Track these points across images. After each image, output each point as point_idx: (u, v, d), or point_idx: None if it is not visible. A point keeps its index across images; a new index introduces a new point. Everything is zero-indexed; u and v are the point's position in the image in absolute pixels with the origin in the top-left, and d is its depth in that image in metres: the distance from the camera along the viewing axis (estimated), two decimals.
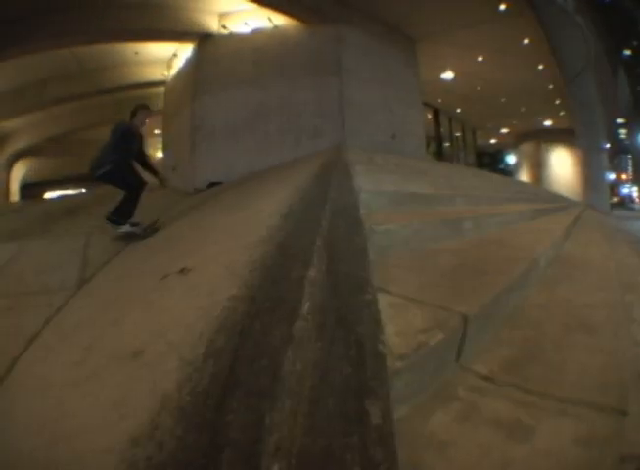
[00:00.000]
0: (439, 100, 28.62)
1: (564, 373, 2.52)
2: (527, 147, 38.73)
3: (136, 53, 17.05)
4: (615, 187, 75.78)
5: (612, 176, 74.92)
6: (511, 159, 43.33)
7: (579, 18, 24.67)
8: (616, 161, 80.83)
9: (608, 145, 42.20)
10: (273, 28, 14.84)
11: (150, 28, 14.27)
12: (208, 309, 2.25)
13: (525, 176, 38.62)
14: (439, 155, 31.01)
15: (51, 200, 19.66)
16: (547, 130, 35.79)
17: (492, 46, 20.52)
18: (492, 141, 43.69)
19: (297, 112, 14.39)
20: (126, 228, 6.54)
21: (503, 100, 29.08)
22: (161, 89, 18.79)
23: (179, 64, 16.87)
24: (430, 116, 29.75)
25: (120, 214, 6.58)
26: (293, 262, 2.66)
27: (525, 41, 20.58)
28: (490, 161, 47.37)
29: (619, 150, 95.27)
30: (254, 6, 13.74)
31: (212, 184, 13.21)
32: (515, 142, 40.57)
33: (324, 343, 1.93)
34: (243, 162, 13.77)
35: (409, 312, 2.68)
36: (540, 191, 22.30)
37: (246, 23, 14.70)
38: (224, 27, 15.08)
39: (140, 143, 7.07)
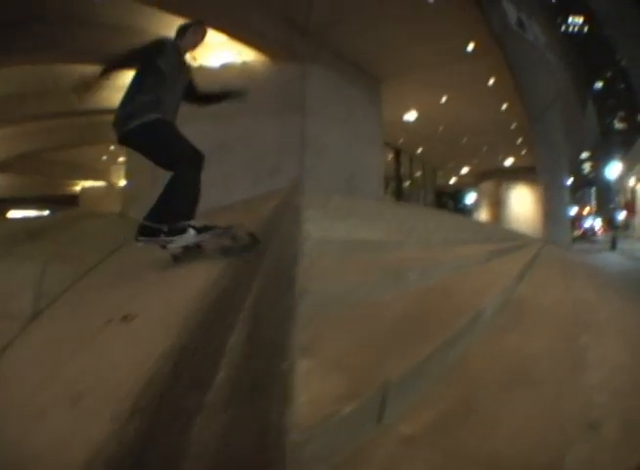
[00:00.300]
0: (401, 140, 28.93)
1: (497, 432, 2.43)
2: (488, 185, 39.43)
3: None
4: (577, 221, 77.26)
5: (574, 210, 76.49)
6: (470, 198, 43.99)
7: (550, 54, 25.23)
8: (579, 194, 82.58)
9: (571, 179, 43.01)
10: (242, 64, 15.13)
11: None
12: (140, 364, 2.24)
13: (484, 215, 39.22)
14: (399, 195, 31.33)
15: (14, 220, 19.27)
16: (508, 169, 36.44)
17: (457, 86, 20.92)
18: (452, 181, 44.32)
19: (260, 148, 14.55)
20: (188, 239, 3.83)
21: (465, 140, 29.55)
22: None
23: None
24: (391, 155, 30.06)
25: (167, 213, 3.81)
26: (217, 326, 2.66)
27: (491, 80, 20.94)
28: (450, 200, 48.12)
29: (583, 183, 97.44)
30: (226, 38, 14.02)
31: None
32: (475, 181, 41.23)
33: (232, 413, 1.94)
34: (206, 196, 13.80)
35: (328, 378, 2.51)
36: (499, 230, 22.54)
37: (216, 57, 14.97)
38: (194, 59, 15.23)
39: (188, 78, 4.86)
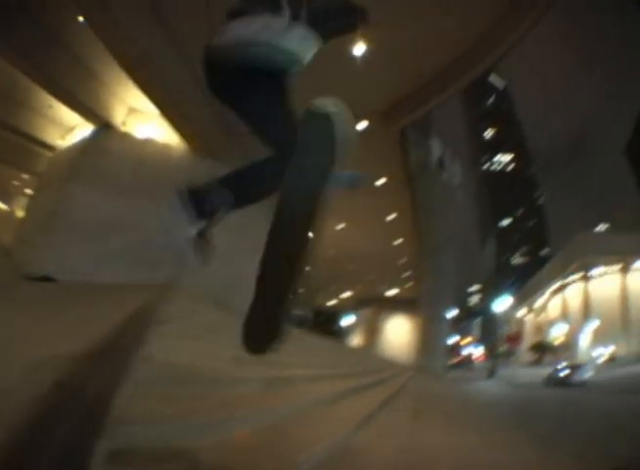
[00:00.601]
0: None
1: None
2: (367, 312, 39.95)
3: (50, 106, 16.88)
4: (456, 348, 79.35)
5: (455, 339, 78.73)
6: (347, 321, 44.29)
7: (460, 193, 26.28)
8: (462, 325, 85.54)
9: (455, 310, 44.37)
10: (164, 144, 15.40)
11: (66, 87, 14.62)
12: None
13: (359, 340, 39.50)
14: None
15: None
16: (390, 298, 37.18)
17: (357, 216, 21.55)
18: (332, 302, 44.70)
19: (150, 233, 14.08)
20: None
21: (352, 267, 30.00)
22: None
23: (74, 139, 16.77)
24: None
25: (238, 182, 2.94)
26: None
27: (391, 216, 21.47)
28: (326, 320, 48.32)
29: (468, 314, 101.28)
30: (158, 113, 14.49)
31: (44, 278, 11.78)
32: (355, 305, 41.73)
33: None
34: (94, 267, 13.31)
35: None
36: (369, 358, 22.39)
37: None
38: (123, 124, 14.93)
39: None
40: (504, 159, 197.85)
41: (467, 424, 9.01)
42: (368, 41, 15.09)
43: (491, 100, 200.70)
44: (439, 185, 23.29)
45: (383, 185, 19.89)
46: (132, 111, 16.11)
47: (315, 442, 4.40)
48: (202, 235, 2.87)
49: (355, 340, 40.37)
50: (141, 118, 16.09)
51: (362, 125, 17.58)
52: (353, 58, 15.53)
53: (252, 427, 4.77)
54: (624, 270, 75.96)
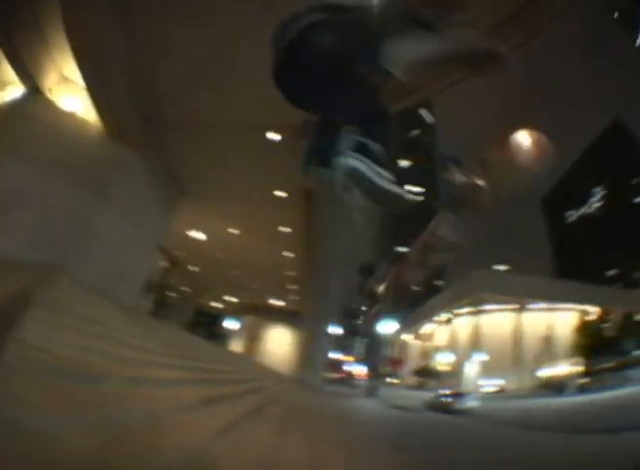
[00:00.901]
0: (181, 253, 28.86)
1: None
2: (250, 319, 40.04)
3: None
4: (339, 364, 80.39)
5: (338, 355, 79.81)
6: (231, 324, 44.20)
7: (361, 216, 26.53)
8: (347, 342, 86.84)
9: (340, 329, 44.91)
10: (84, 119, 15.35)
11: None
12: None
13: (240, 346, 39.49)
14: (160, 306, 31.02)
15: None
16: (274, 308, 37.44)
17: (252, 225, 21.49)
18: (217, 304, 44.58)
19: (54, 211, 14.07)
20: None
21: (240, 273, 30.05)
22: None
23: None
24: (166, 265, 30.01)
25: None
26: None
27: (285, 229, 21.60)
28: (209, 322, 48.10)
29: (353, 332, 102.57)
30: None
31: None
32: (240, 310, 41.75)
33: None
34: None
35: None
36: (247, 364, 22.27)
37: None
38: (50, 91, 14.41)
39: None
40: (414, 189, 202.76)
41: (333, 441, 9.02)
42: None
43: (415, 132, 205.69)
44: (340, 206, 23.58)
45: (282, 198, 20.04)
46: (64, 79, 15.58)
47: (171, 448, 4.42)
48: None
49: (236, 345, 40.23)
50: (69, 89, 15.59)
51: (275, 137, 17.73)
52: None
53: (111, 427, 4.76)
54: (519, 310, 79.48)
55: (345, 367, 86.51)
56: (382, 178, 2.57)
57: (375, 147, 2.56)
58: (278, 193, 19.98)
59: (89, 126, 15.48)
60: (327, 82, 2.52)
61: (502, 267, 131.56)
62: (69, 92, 15.50)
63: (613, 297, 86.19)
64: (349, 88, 2.58)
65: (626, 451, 10.01)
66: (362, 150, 2.56)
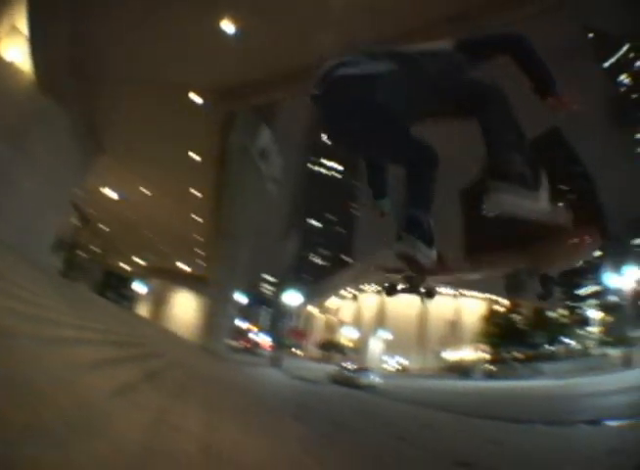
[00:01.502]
0: (94, 212, 28.23)
1: None
2: (157, 283, 39.64)
3: None
4: (243, 333, 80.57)
5: (245, 324, 79.93)
6: (139, 287, 43.58)
7: (275, 186, 26.27)
8: (252, 312, 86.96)
9: (246, 298, 44.86)
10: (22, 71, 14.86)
11: None
12: None
13: (146, 310, 39.13)
14: (70, 266, 30.21)
15: None
16: (179, 272, 37.05)
17: (165, 187, 21.15)
18: (126, 266, 43.96)
19: None
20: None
21: (150, 235, 29.60)
22: None
23: None
24: (77, 222, 29.35)
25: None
26: None
27: (196, 193, 21.29)
28: (118, 284, 47.37)
29: (259, 301, 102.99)
30: None
31: None
32: (148, 273, 41.21)
33: None
34: None
35: None
36: (150, 329, 21.74)
37: None
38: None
39: None
40: (334, 166, 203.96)
41: (231, 408, 8.89)
42: (239, 21, 15.12)
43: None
44: (255, 174, 23.34)
45: (196, 161, 19.74)
46: (14, 30, 14.78)
47: (68, 406, 4.14)
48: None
49: (142, 309, 39.64)
50: (16, 40, 14.80)
51: (197, 99, 17.41)
52: (220, 31, 15.44)
53: (11, 383, 4.41)
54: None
55: (251, 336, 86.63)
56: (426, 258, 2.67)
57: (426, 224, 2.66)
58: (193, 156, 19.62)
59: (23, 77, 14.83)
60: (367, 128, 2.66)
61: None
62: (15, 43, 14.78)
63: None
64: (389, 132, 2.72)
65: (528, 443, 10.18)
66: (413, 226, 2.66)
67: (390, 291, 3.95)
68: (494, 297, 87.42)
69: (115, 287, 47.07)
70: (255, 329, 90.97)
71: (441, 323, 75.42)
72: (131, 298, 44.59)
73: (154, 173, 21.95)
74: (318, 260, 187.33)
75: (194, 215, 25.62)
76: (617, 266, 42.03)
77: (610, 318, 73.58)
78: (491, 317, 72.09)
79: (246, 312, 76.67)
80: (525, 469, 7.39)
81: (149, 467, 3.08)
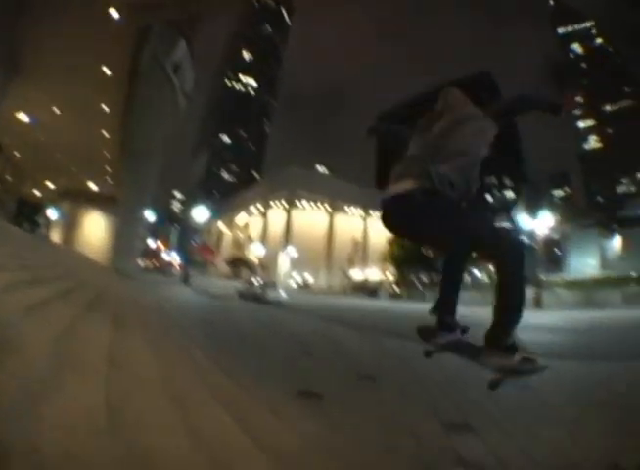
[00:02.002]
0: (3, 137, 27.22)
1: None
2: (67, 205, 38.70)
3: None
4: (156, 253, 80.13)
5: (154, 243, 79.38)
6: (51, 213, 42.52)
7: (186, 101, 25.88)
8: (161, 230, 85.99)
9: (154, 214, 44.41)
10: None
11: None
12: None
13: (60, 235, 38.36)
14: None
15: None
16: (90, 193, 36.37)
17: (72, 104, 20.61)
18: (37, 192, 42.76)
19: None
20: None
21: (58, 156, 28.82)
22: None
23: None
24: None
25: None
26: None
27: (106, 108, 20.90)
28: (32, 212, 46.12)
29: (168, 221, 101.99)
30: None
31: None
32: (58, 197, 40.19)
33: None
34: None
35: None
36: (69, 257, 21.49)
37: None
38: None
39: None
40: (250, 83, 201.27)
41: (138, 325, 9.12)
42: None
43: (269, 30, 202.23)
44: (167, 89, 22.99)
45: (109, 76, 19.34)
46: None
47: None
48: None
49: (55, 234, 38.91)
50: None
51: (114, 13, 17.03)
52: None
53: None
54: (333, 211, 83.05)
55: (161, 255, 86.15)
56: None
57: None
58: (105, 70, 19.22)
59: None
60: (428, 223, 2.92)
61: (322, 169, 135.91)
62: None
63: None
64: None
65: (429, 360, 10.99)
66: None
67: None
68: None
69: (29, 215, 45.86)
70: (165, 247, 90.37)
71: (349, 243, 76.91)
72: (45, 225, 43.60)
73: (66, 91, 21.33)
74: (228, 177, 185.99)
75: (104, 132, 25.10)
76: (531, 210, 44.06)
77: None
78: (397, 239, 73.81)
79: (155, 231, 76.08)
80: (424, 380, 8.12)
81: (58, 378, 3.45)
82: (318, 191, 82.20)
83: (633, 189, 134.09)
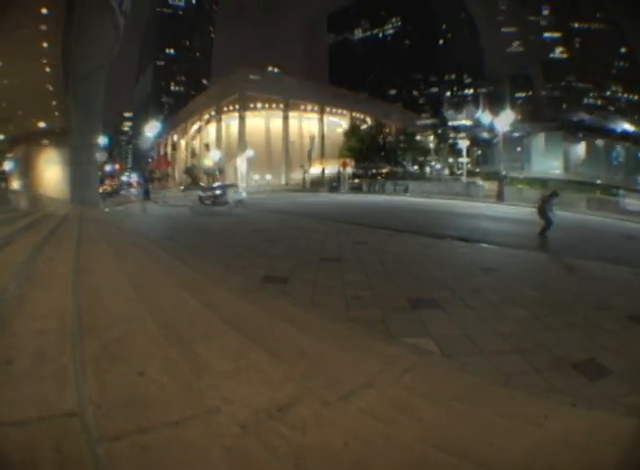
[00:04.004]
0: None
1: None
2: (20, 151, 37.75)
3: None
4: (113, 176, 79.09)
5: (113, 166, 78.18)
6: (7, 164, 41.65)
7: (125, 19, 25.04)
8: (115, 151, 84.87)
9: (106, 139, 43.66)
10: None
11: None
12: None
13: (19, 181, 37.66)
14: None
15: None
16: (40, 132, 35.42)
17: (10, 50, 19.82)
18: None
19: None
20: None
21: (5, 105, 27.95)
22: None
23: None
24: None
25: None
26: None
27: (45, 44, 20.21)
28: None
29: (124, 141, 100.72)
30: None
31: None
32: (9, 147, 39.17)
33: None
34: None
35: None
36: (29, 199, 21.36)
37: None
38: None
39: None
40: None
41: (98, 239, 9.38)
42: None
43: None
44: (103, 10, 22.16)
45: (45, 14, 18.66)
46: None
47: None
48: None
49: (16, 181, 38.19)
50: None
51: None
52: None
53: None
54: (286, 110, 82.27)
55: (120, 178, 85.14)
56: None
57: None
58: (43, 10, 18.50)
59: None
60: None
61: (273, 69, 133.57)
62: None
63: (387, 110, 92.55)
64: None
65: (386, 242, 11.86)
66: None
67: None
68: (360, 115, 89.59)
69: None
70: (120, 168, 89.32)
71: (307, 140, 76.43)
72: (3, 178, 42.76)
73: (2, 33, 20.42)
74: (178, 89, 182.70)
75: (46, 68, 24.29)
76: (492, 107, 44.36)
77: (478, 153, 77.69)
78: (354, 132, 73.62)
79: (111, 154, 75.00)
80: (384, 255, 8.75)
81: (28, 293, 3.67)
82: (270, 91, 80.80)
83: (600, 102, 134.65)
